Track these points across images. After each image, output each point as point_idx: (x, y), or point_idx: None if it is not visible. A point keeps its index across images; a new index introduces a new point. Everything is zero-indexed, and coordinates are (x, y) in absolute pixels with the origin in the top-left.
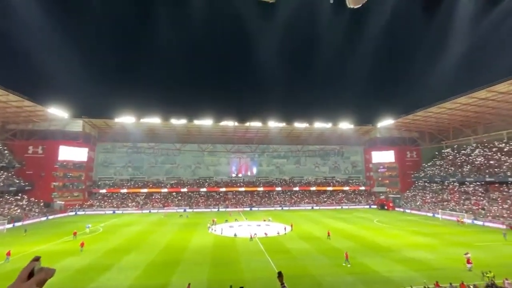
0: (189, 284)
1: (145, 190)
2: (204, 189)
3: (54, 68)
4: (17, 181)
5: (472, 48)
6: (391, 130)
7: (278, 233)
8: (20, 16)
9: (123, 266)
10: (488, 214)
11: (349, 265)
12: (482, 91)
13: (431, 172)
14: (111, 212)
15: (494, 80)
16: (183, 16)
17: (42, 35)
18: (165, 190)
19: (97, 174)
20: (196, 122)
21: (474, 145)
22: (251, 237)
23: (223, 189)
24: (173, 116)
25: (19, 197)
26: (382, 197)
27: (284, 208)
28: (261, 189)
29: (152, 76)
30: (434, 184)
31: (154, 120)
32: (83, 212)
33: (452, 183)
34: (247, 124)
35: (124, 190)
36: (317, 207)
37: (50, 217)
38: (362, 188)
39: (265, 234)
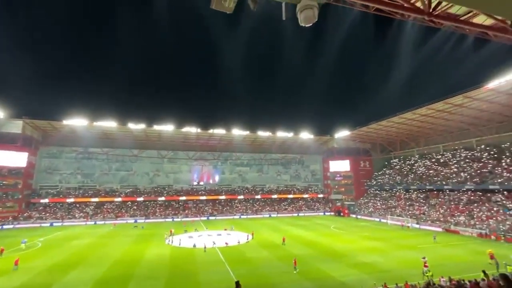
0: None
1: (95, 200)
2: (163, 198)
3: None
4: None
5: (416, 69)
6: (347, 141)
7: (238, 242)
8: None
9: (66, 284)
10: (428, 219)
11: (295, 271)
12: (423, 108)
13: (381, 180)
14: (58, 224)
15: (433, 99)
16: (143, 16)
17: None
18: (119, 199)
19: (39, 182)
20: (156, 127)
21: (417, 156)
22: (205, 248)
23: (183, 198)
24: (130, 120)
25: None
26: (339, 204)
27: (247, 216)
28: (223, 197)
29: (109, 77)
30: (384, 192)
31: (109, 123)
32: (18, 226)
33: (399, 190)
34: (211, 131)
35: (71, 200)
36: (279, 215)
37: None
38: (321, 195)
39: (226, 243)
